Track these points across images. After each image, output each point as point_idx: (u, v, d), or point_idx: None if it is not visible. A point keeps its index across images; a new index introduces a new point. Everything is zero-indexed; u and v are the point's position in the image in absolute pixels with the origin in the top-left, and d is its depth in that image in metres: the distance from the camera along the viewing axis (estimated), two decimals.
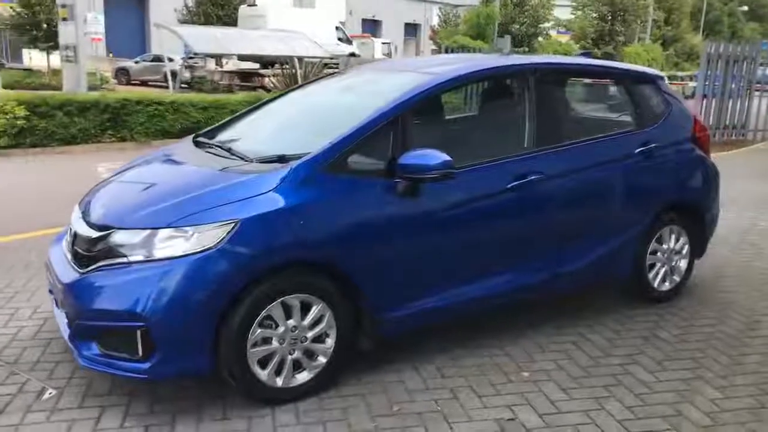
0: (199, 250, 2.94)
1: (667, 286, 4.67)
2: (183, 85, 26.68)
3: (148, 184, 3.51)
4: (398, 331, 3.54)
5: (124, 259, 3.03)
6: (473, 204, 3.61)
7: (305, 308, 3.20)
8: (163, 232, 3.00)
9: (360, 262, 3.27)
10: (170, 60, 23.61)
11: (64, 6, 17.25)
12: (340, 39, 31.41)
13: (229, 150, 3.69)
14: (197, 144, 4.01)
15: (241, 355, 3.06)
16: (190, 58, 26.55)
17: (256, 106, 4.49)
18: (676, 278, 4.71)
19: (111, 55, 36.57)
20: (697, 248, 4.82)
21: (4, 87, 23.53)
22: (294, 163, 3.21)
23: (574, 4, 29.20)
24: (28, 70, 28.27)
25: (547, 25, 20.29)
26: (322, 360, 3.30)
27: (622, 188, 4.24)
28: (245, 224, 2.99)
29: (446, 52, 18.53)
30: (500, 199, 3.70)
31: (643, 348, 3.96)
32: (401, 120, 3.45)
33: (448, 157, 3.31)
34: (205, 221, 2.99)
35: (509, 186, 3.70)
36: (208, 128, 4.37)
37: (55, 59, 25.10)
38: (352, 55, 29.03)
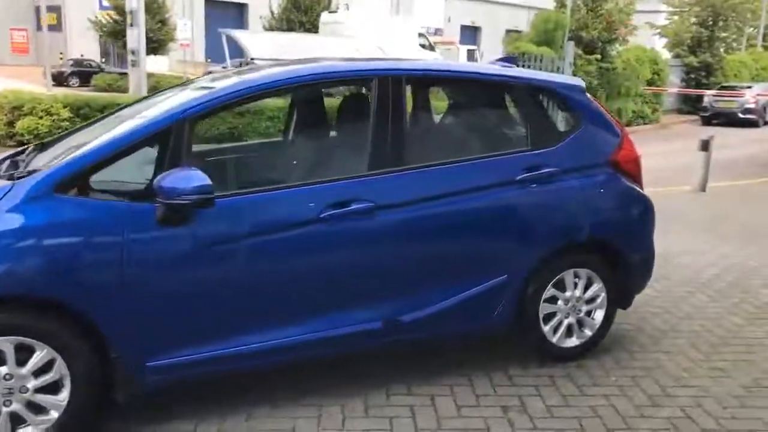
0: None
1: (574, 341, 3.83)
2: None
3: None
4: (161, 384, 3.00)
5: None
6: (265, 236, 3.01)
7: (28, 352, 2.73)
8: None
9: (99, 301, 2.77)
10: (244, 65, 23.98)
11: (131, 12, 17.86)
12: (422, 46, 30.87)
13: (15, 164, 3.29)
14: (15, 154, 3.64)
15: None
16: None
17: (105, 115, 4.08)
18: (587, 333, 3.86)
19: (209, 60, 37.88)
20: (620, 298, 3.94)
21: (99, 90, 24.87)
22: (18, 182, 2.76)
23: (669, 9, 27.18)
24: (124, 74, 29.67)
25: (623, 30, 18.83)
26: (53, 414, 2.81)
27: (493, 221, 3.48)
28: None
29: None
30: (306, 232, 3.07)
31: (492, 422, 3.19)
32: (172, 136, 2.92)
33: (205, 181, 2.76)
34: None
35: (321, 216, 3.07)
36: (51, 138, 4.00)
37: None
38: None
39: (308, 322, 3.17)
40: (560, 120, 3.79)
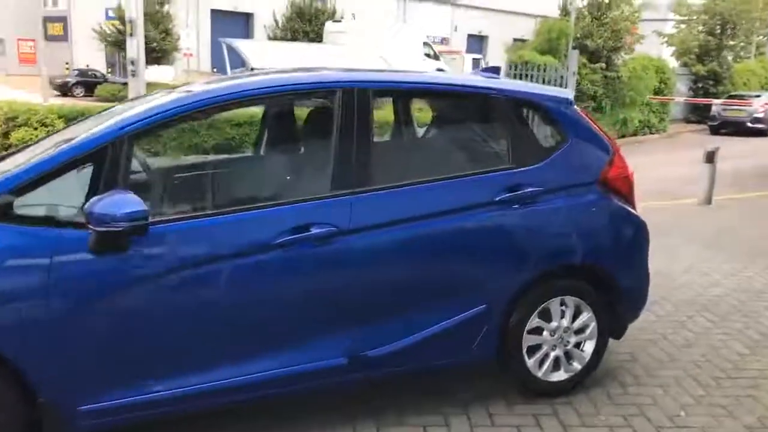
0: None
1: (561, 375, 3.53)
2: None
3: None
4: (97, 429, 2.72)
5: None
6: (213, 265, 2.73)
7: None
8: None
9: (23, 339, 2.50)
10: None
11: (130, 22, 17.72)
12: (427, 55, 30.68)
13: None
14: None
15: None
16: None
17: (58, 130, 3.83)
18: (577, 366, 3.55)
19: (215, 70, 37.79)
20: (612, 327, 3.63)
21: (102, 100, 24.81)
22: None
23: (677, 17, 26.83)
24: (126, 84, 29.63)
25: (629, 38, 18.58)
26: None
27: (470, 246, 3.19)
28: None
29: (509, 68, 17.32)
30: (260, 260, 2.79)
31: None
32: (109, 155, 2.65)
33: (139, 206, 2.49)
34: None
35: (278, 242, 2.80)
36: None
37: (150, 73, 25.98)
38: (440, 70, 28.15)
39: (264, 359, 2.88)
40: (545, 135, 3.50)
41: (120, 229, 2.47)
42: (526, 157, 3.34)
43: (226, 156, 3.48)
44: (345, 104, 3.01)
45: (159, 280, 2.65)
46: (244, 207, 2.87)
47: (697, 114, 24.12)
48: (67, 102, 18.26)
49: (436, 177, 3.19)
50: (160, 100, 2.94)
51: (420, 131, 3.78)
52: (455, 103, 3.65)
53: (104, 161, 2.64)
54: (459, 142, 3.61)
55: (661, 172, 12.70)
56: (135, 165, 3.30)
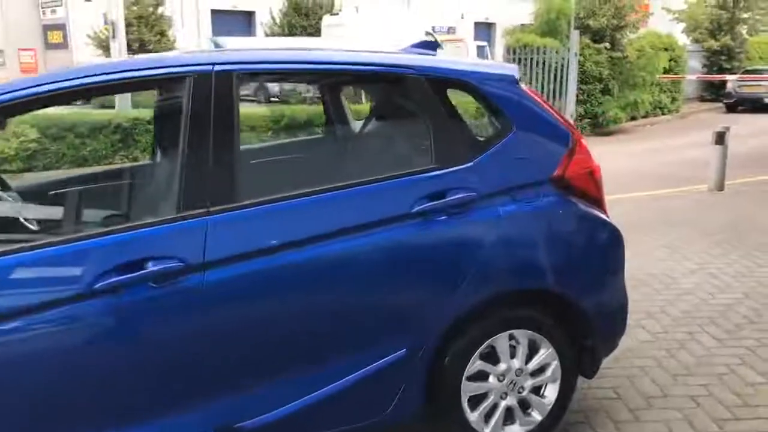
0: None
1: (516, 430, 2.76)
2: (273, 99, 26.26)
3: None
4: None
5: None
6: (11, 322, 2.00)
7: None
8: None
9: None
10: None
11: (112, 24, 17.12)
12: None
13: None
14: None
15: None
16: None
17: None
18: (536, 416, 2.78)
19: None
20: (580, 364, 2.86)
21: (99, 107, 24.27)
22: None
23: None
24: None
25: (634, 17, 17.53)
26: None
27: (380, 275, 2.42)
28: None
29: (507, 52, 16.41)
30: (79, 311, 2.06)
31: None
32: None
33: None
34: None
35: (99, 286, 2.06)
36: None
37: None
38: None
39: None
40: (482, 124, 2.72)
41: None
42: (455, 153, 2.56)
43: (55, 175, 2.77)
44: (197, 94, 2.25)
45: None
46: (56, 241, 2.13)
47: (712, 92, 23.03)
48: (61, 110, 17.69)
49: (330, 186, 2.42)
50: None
51: (316, 125, 3.01)
52: (362, 88, 2.88)
53: None
54: (365, 139, 2.83)
55: (671, 156, 11.83)
56: None
